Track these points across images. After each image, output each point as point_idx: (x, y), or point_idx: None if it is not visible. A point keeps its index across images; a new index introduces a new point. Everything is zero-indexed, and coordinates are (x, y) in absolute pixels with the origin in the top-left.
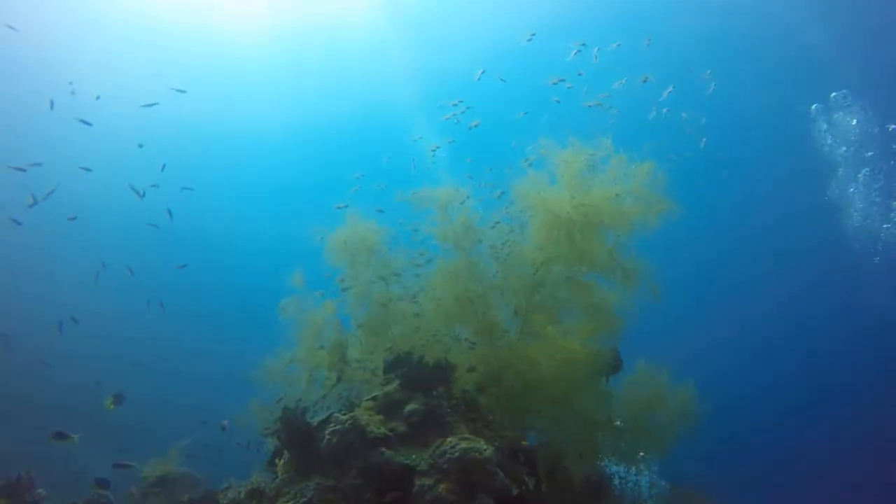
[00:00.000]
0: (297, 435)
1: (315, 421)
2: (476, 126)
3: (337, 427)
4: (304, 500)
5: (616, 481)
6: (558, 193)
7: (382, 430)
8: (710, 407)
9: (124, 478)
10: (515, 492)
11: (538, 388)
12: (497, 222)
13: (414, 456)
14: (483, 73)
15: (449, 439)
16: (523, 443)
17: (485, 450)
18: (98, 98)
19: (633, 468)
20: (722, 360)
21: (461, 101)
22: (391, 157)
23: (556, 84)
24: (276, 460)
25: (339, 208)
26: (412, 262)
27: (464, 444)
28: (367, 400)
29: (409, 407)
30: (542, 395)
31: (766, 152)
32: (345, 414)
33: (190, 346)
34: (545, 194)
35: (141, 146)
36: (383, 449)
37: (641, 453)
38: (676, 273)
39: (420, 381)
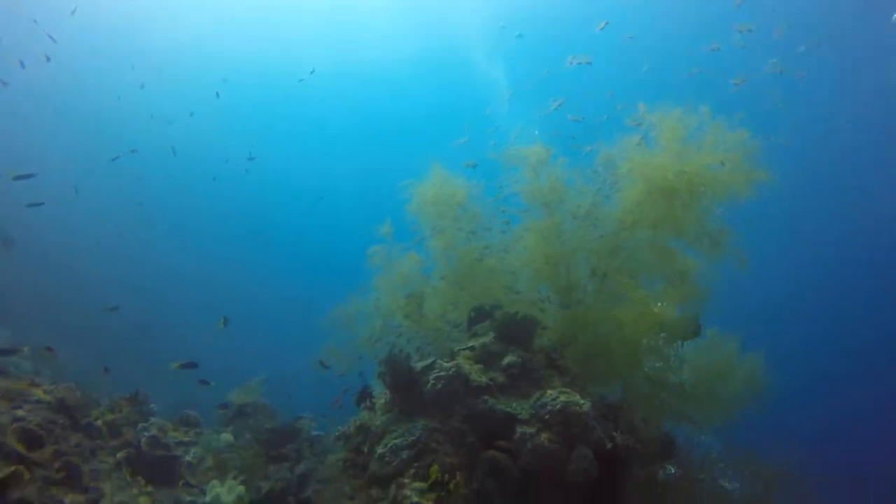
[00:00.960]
0: (401, 379)
1: (419, 366)
2: (560, 104)
3: (441, 374)
4: (413, 438)
5: (685, 442)
6: (660, 159)
7: (484, 379)
8: (778, 374)
9: (210, 404)
10: (609, 445)
11: (618, 349)
12: (584, 184)
13: (514, 405)
14: (606, 24)
15: (549, 392)
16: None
17: (583, 404)
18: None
19: (700, 431)
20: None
21: (590, 61)
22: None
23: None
24: (368, 401)
25: (468, 166)
26: (499, 220)
27: (563, 398)
28: (465, 350)
29: (507, 359)
30: (621, 356)
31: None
32: (448, 361)
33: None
34: (646, 159)
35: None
36: (486, 397)
37: (709, 418)
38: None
39: (512, 334)
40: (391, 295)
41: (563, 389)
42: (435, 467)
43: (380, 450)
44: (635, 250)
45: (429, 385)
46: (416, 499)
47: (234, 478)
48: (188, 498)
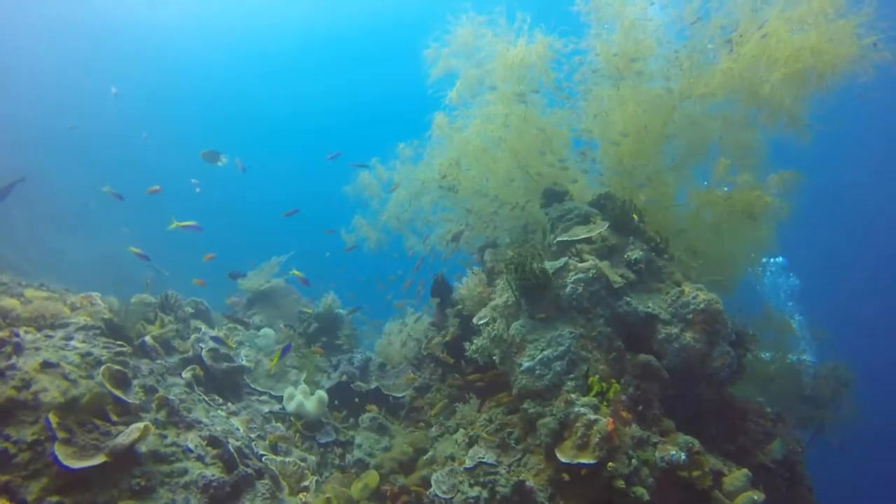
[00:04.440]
0: (531, 282)
1: (550, 268)
2: None
3: (580, 276)
4: (562, 348)
5: None
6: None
7: (619, 279)
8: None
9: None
10: (734, 337)
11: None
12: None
13: (650, 304)
14: None
15: (686, 289)
16: None
17: (719, 300)
18: None
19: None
20: None
21: None
22: None
23: None
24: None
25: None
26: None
27: (703, 296)
28: (580, 241)
29: (634, 255)
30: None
31: None
32: (582, 261)
33: None
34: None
35: None
36: (628, 298)
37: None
38: None
39: (627, 224)
40: (449, 164)
41: (699, 286)
42: (595, 378)
43: (526, 363)
44: (708, 122)
45: (568, 288)
46: (592, 416)
47: (301, 380)
48: (266, 409)
